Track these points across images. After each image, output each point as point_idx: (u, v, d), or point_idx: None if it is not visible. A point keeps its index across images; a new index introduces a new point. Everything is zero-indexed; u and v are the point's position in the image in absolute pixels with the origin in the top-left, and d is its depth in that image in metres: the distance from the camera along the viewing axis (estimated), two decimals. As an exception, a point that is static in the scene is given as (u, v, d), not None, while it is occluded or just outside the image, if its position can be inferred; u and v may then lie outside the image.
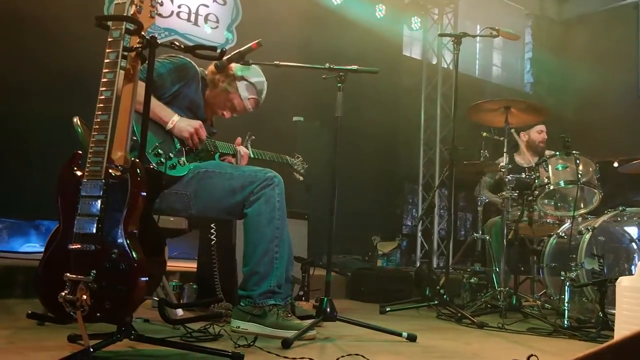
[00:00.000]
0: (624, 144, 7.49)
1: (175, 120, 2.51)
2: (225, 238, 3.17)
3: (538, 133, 4.73)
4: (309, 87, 5.30)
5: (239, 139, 2.84)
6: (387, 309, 3.61)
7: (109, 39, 1.78)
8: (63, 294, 1.63)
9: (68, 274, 1.65)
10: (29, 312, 1.81)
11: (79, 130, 2.37)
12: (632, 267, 3.44)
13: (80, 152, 1.78)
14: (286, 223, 2.55)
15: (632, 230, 3.60)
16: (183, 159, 2.54)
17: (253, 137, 2.89)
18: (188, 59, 2.62)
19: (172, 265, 3.81)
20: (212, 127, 2.82)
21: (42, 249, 1.76)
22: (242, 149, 2.82)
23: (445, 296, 3.55)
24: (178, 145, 2.55)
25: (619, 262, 3.52)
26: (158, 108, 2.46)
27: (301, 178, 3.14)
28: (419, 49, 8.39)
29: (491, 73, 9.73)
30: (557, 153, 3.67)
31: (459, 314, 3.33)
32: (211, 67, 2.75)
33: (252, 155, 2.87)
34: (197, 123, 2.56)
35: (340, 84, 2.66)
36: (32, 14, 4.57)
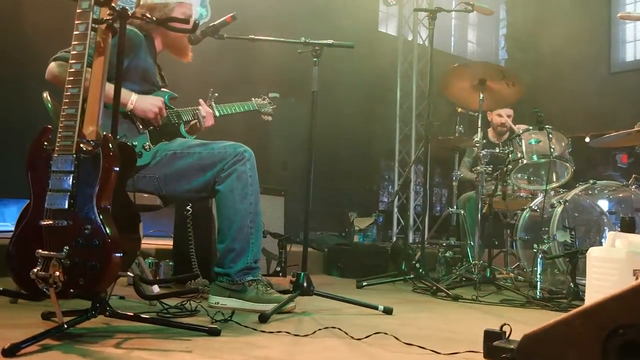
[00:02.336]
0: (596, 120, 7.62)
1: (135, 101, 2.40)
2: (201, 214, 3.15)
3: (498, 116, 4.77)
4: (284, 63, 5.25)
5: (202, 100, 2.71)
6: (364, 284, 3.65)
7: (78, 10, 1.73)
8: (35, 270, 1.61)
9: (40, 251, 1.63)
10: (1, 289, 1.78)
11: (49, 105, 2.30)
12: (603, 239, 3.52)
13: (50, 126, 1.74)
14: (259, 197, 2.52)
15: (602, 203, 3.69)
16: (148, 142, 2.45)
17: (216, 94, 2.75)
18: (130, 27, 2.43)
19: (148, 243, 3.79)
20: (169, 90, 2.66)
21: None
22: (204, 109, 2.67)
23: (420, 270, 3.59)
24: (140, 128, 2.46)
25: (590, 235, 3.60)
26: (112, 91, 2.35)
27: (269, 118, 2.97)
28: (394, 25, 8.36)
29: (466, 49, 9.77)
30: (530, 128, 3.71)
31: (434, 287, 3.38)
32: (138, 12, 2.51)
33: (217, 114, 2.73)
34: (159, 101, 2.47)
35: (315, 59, 2.64)
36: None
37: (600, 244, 3.48)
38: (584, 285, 2.60)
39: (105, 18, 1.79)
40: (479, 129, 3.81)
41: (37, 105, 2.41)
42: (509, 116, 4.74)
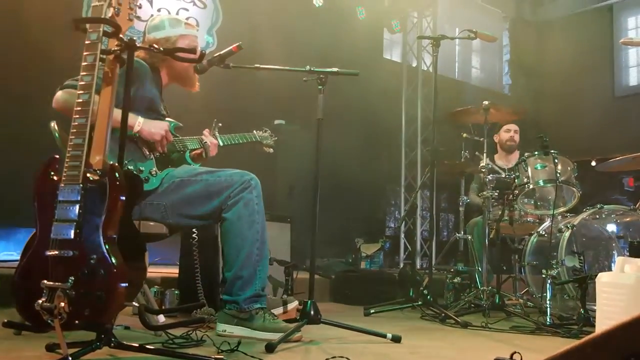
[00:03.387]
0: (601, 143, 7.61)
1: (141, 122, 2.42)
2: (207, 242, 3.14)
3: (505, 132, 4.82)
4: (289, 91, 5.30)
5: (206, 130, 2.74)
6: (372, 311, 3.61)
7: (87, 42, 1.76)
8: (40, 301, 1.60)
9: (45, 281, 1.62)
10: (5, 320, 1.77)
11: (57, 134, 2.32)
12: (612, 263, 3.48)
13: (57, 156, 1.75)
14: (265, 226, 2.51)
15: (610, 228, 3.66)
16: (154, 168, 2.46)
17: (220, 124, 2.78)
18: (135, 59, 2.51)
19: (153, 271, 3.77)
20: (171, 118, 2.68)
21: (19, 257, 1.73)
22: (209, 140, 2.71)
23: (429, 296, 3.55)
24: (147, 153, 2.47)
25: (599, 259, 3.56)
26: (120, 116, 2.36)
27: (271, 150, 3.00)
28: (399, 52, 8.45)
29: (470, 75, 9.82)
30: (536, 153, 3.71)
31: (443, 314, 3.34)
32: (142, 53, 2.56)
33: (221, 144, 2.76)
34: (165, 125, 2.49)
35: (321, 87, 2.66)
36: (11, 19, 4.52)
37: (610, 268, 3.44)
38: (595, 311, 2.56)
39: (113, 49, 1.81)
40: (485, 154, 3.82)
41: (43, 135, 2.43)
42: (515, 132, 4.77)
